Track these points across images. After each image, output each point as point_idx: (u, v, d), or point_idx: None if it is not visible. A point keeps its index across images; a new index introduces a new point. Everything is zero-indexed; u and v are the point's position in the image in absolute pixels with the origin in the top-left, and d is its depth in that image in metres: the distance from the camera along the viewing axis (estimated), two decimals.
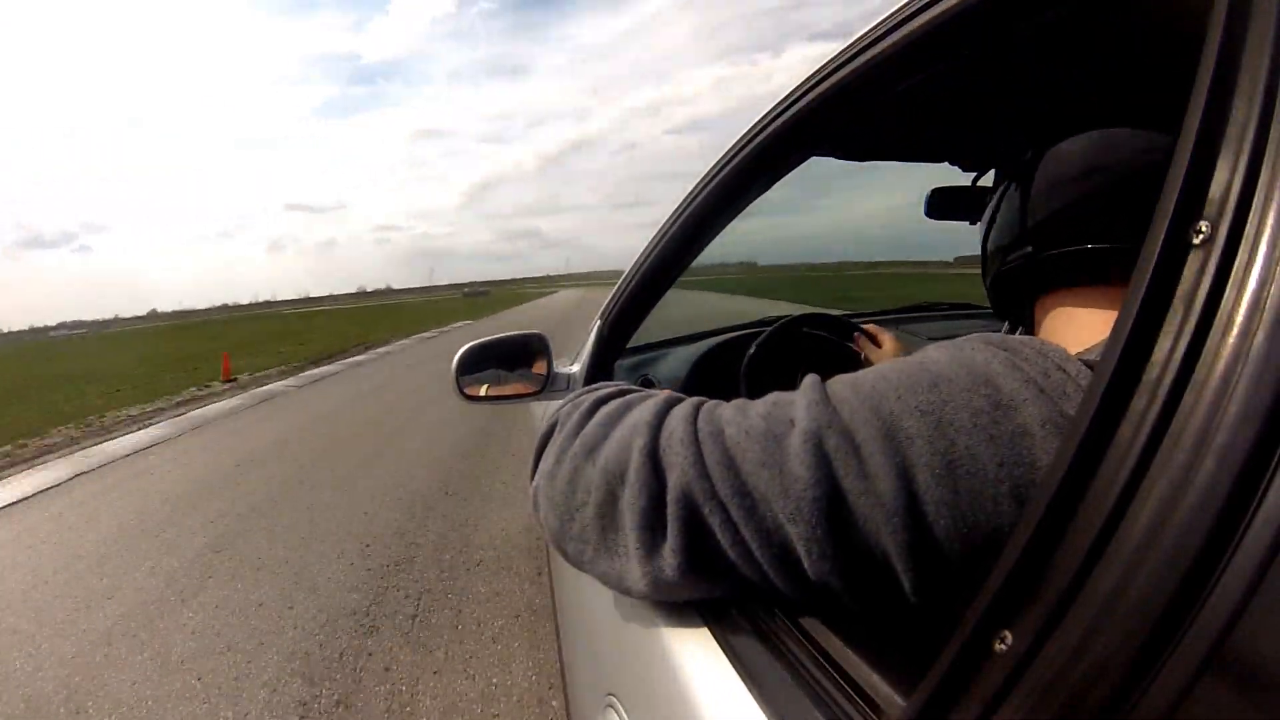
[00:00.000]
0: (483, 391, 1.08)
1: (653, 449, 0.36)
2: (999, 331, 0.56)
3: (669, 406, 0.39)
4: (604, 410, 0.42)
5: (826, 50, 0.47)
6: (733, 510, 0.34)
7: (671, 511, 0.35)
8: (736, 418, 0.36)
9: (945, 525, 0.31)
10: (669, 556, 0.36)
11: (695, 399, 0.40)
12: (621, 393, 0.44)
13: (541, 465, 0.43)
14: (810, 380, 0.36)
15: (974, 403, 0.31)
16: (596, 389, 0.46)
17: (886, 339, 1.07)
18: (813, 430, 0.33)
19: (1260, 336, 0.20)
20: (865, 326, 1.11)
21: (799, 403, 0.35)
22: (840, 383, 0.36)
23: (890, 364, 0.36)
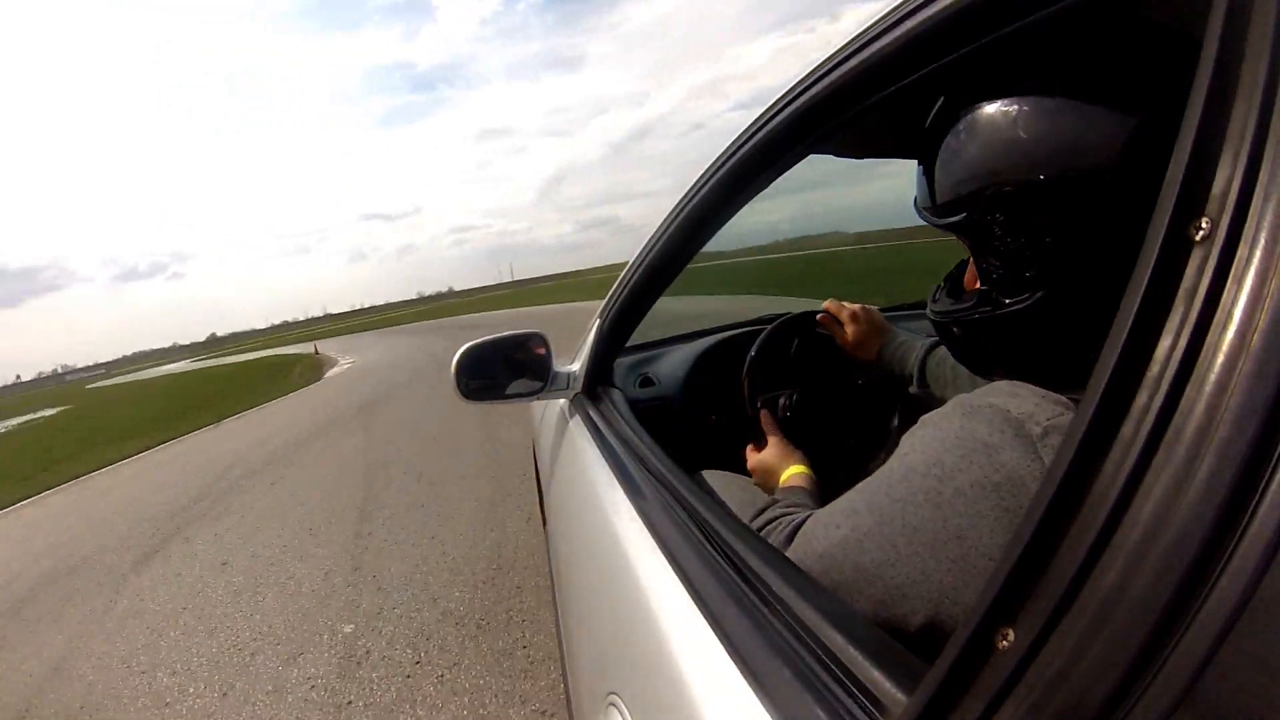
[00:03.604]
0: (484, 391, 1.08)
1: (785, 538, 0.56)
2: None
3: (795, 529, 0.56)
4: (771, 528, 0.62)
5: (884, 8, 0.45)
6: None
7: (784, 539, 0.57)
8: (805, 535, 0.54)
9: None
10: (781, 546, 0.55)
11: (801, 520, 0.56)
12: (787, 512, 0.64)
13: (756, 525, 0.66)
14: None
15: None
16: (774, 524, 0.63)
17: (848, 321, 1.03)
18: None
19: (1261, 333, 0.20)
20: (826, 306, 1.07)
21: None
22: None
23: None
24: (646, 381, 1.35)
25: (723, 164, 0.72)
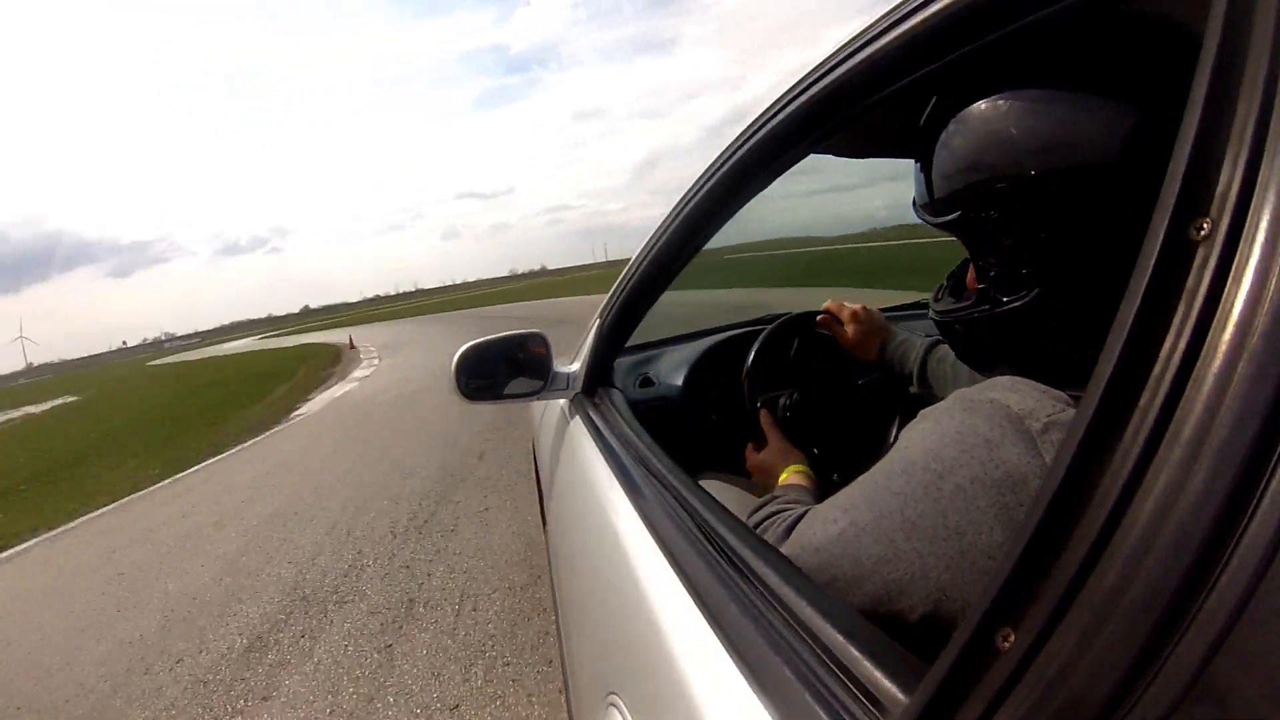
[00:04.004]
0: (484, 391, 1.08)
1: (782, 533, 0.55)
2: None
3: (793, 524, 0.55)
4: (769, 524, 0.60)
5: (884, 8, 0.45)
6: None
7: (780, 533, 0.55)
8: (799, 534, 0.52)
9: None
10: (778, 540, 0.53)
11: (798, 515, 0.54)
12: (784, 508, 0.62)
13: (754, 521, 0.64)
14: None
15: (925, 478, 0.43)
16: (772, 520, 0.62)
17: (849, 321, 1.03)
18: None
19: (1261, 333, 0.20)
20: (827, 306, 1.07)
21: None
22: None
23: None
24: (646, 381, 1.35)
25: (723, 164, 0.72)
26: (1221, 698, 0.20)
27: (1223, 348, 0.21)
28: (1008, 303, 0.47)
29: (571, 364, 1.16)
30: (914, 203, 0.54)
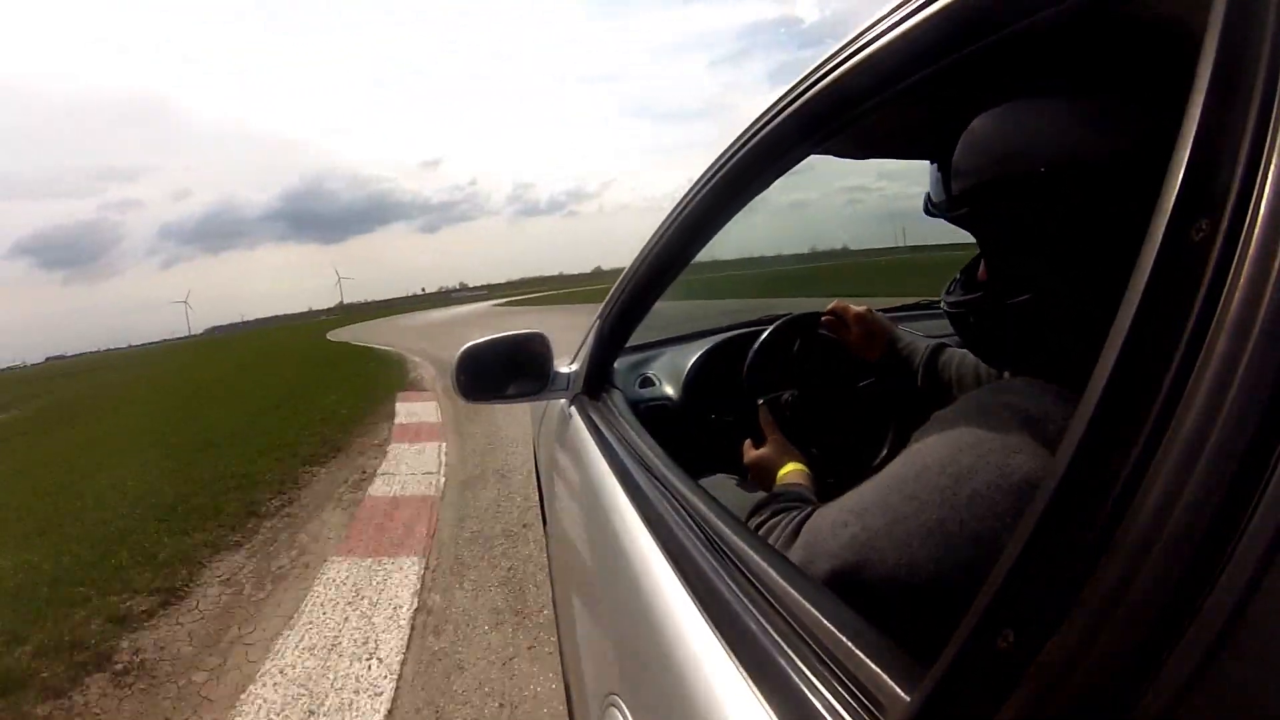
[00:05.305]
0: (484, 391, 1.08)
1: (789, 535, 0.54)
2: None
3: (799, 525, 0.55)
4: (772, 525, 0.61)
5: (885, 8, 0.45)
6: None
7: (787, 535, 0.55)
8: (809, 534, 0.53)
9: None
10: (785, 543, 0.53)
11: (804, 516, 0.54)
12: (787, 509, 0.62)
13: (755, 523, 0.64)
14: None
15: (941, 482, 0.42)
16: (776, 515, 0.62)
17: (854, 323, 1.03)
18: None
19: (1261, 333, 0.20)
20: (832, 307, 1.07)
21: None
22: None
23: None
24: (647, 382, 1.35)
25: (724, 164, 0.71)
26: (1222, 698, 0.20)
27: (1222, 348, 0.21)
28: (1012, 296, 0.47)
29: (571, 364, 1.16)
30: (927, 200, 0.54)
